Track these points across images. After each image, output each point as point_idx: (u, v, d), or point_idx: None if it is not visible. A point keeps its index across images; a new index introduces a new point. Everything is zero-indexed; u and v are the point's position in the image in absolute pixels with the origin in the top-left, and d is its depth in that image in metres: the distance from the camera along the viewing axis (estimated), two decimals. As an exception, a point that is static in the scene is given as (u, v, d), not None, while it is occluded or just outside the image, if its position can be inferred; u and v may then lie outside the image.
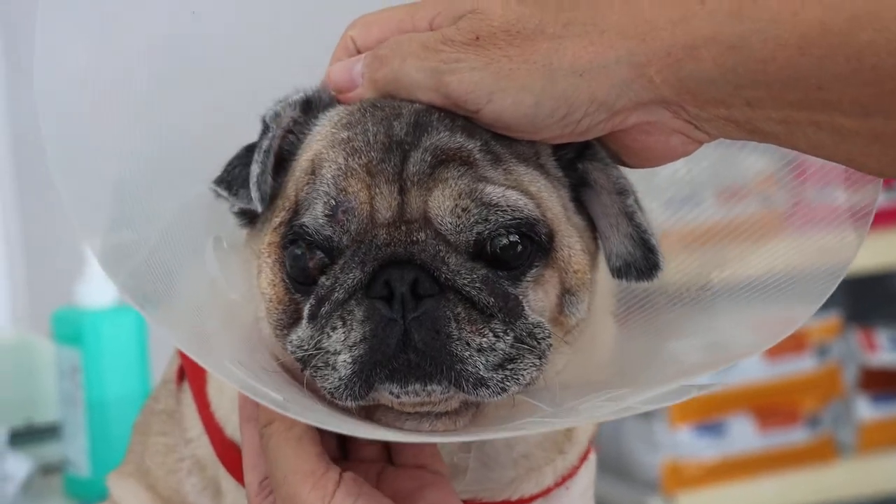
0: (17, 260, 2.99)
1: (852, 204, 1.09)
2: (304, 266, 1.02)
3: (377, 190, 1.00)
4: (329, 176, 1.01)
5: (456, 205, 0.99)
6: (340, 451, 1.08)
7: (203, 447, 1.22)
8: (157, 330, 2.13)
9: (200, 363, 0.99)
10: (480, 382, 0.97)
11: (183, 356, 1.25)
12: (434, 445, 1.08)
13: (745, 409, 3.42)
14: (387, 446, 1.09)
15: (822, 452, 3.47)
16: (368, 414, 1.03)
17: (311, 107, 1.09)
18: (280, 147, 1.09)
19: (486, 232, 0.99)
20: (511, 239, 1.00)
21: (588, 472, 1.21)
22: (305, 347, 1.00)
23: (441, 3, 1.03)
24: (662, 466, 3.34)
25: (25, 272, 3.00)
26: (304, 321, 1.01)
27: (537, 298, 1.03)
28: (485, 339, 0.97)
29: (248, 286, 1.11)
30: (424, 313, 0.96)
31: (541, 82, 0.96)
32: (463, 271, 0.98)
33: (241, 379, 0.99)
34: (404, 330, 0.96)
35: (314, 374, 0.99)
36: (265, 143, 1.06)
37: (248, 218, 1.12)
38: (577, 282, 1.05)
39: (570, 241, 1.05)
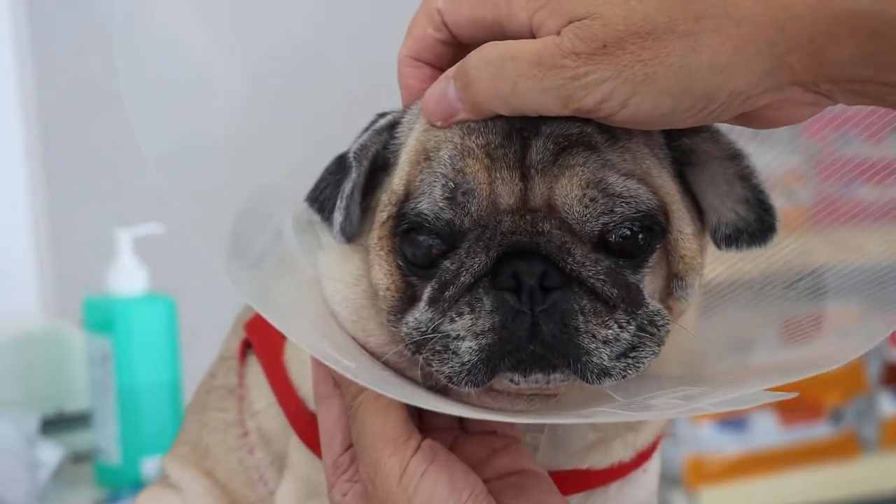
0: (46, 248, 3.01)
1: None
2: (426, 251, 1.02)
3: (497, 175, 0.99)
4: (446, 157, 1.00)
5: (584, 194, 0.98)
6: (419, 420, 1.08)
7: (270, 419, 1.23)
8: (188, 317, 2.15)
9: (288, 335, 0.99)
10: (604, 372, 0.97)
11: (250, 330, 1.26)
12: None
13: (767, 404, 3.41)
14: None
15: (844, 448, 3.47)
16: (444, 388, 1.04)
17: (399, 126, 1.09)
18: (373, 159, 1.09)
19: (612, 224, 0.99)
20: (634, 229, 1.00)
21: (658, 454, 1.22)
22: (423, 329, 1.00)
23: None
24: (685, 461, 3.35)
25: (55, 260, 3.02)
26: (423, 304, 1.01)
27: (649, 282, 1.03)
28: (610, 332, 0.97)
29: (325, 271, 1.11)
30: (552, 306, 0.96)
31: (680, 84, 0.92)
32: (588, 263, 0.98)
33: (323, 350, 1.00)
34: (532, 322, 0.96)
35: (431, 357, 0.99)
36: (347, 187, 1.06)
37: None
38: (684, 266, 1.04)
39: (681, 223, 1.05)
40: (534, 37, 0.97)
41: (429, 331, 0.99)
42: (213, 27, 1.15)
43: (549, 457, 1.12)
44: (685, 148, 1.07)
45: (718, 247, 1.09)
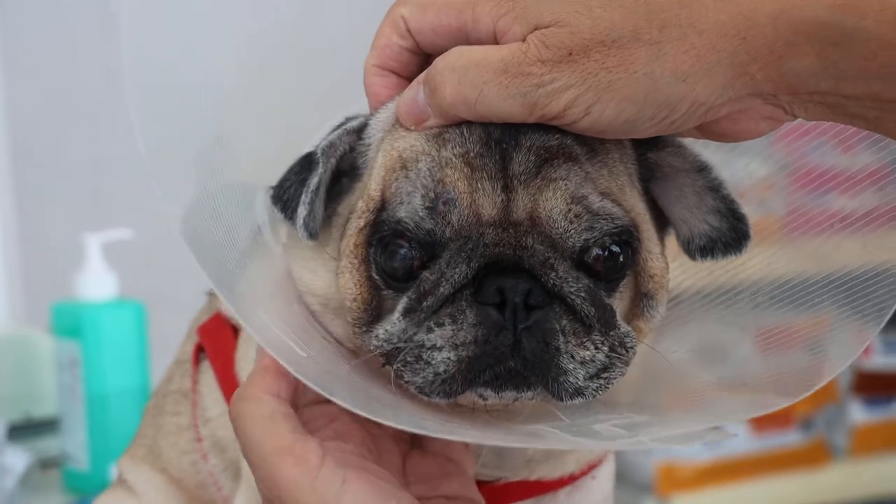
0: (15, 253, 3.00)
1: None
2: (403, 262, 1.01)
3: (479, 185, 0.99)
4: (424, 168, 1.00)
5: (569, 209, 0.98)
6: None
7: (224, 427, 1.22)
8: (157, 322, 2.14)
9: (236, 315, 0.97)
10: (578, 392, 0.97)
11: (202, 334, 1.25)
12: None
13: (738, 411, 3.42)
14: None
15: (815, 455, 3.48)
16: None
17: (367, 128, 1.08)
18: (340, 160, 1.08)
19: (592, 240, 0.99)
20: (613, 250, 1.01)
21: (610, 460, 1.22)
22: (395, 341, 0.99)
23: (507, 3, 0.97)
24: (656, 469, 3.35)
25: (23, 265, 3.01)
26: (398, 315, 1.00)
27: (618, 304, 1.03)
28: (587, 353, 0.98)
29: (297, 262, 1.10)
30: (535, 324, 0.96)
31: (643, 92, 0.93)
32: (570, 279, 0.98)
33: (276, 340, 0.98)
34: (514, 339, 0.96)
35: (402, 368, 0.98)
36: (313, 182, 1.04)
37: None
38: (654, 285, 1.05)
39: (650, 243, 1.05)
40: (497, 43, 0.97)
41: (401, 342, 0.98)
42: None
43: (492, 463, 1.12)
44: (650, 163, 1.08)
45: (693, 258, 1.10)
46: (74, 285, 2.12)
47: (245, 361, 1.19)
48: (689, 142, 1.09)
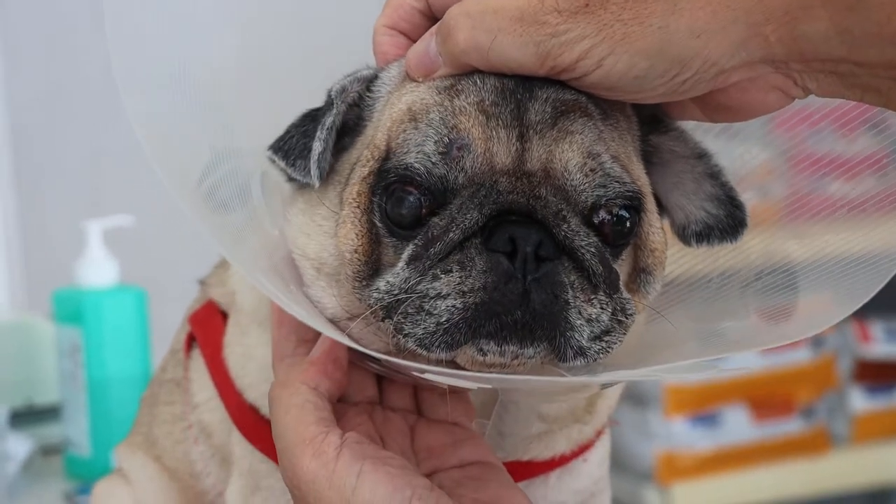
0: (16, 240, 3.00)
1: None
2: (411, 209, 0.99)
3: (493, 133, 0.98)
4: (436, 117, 0.99)
5: (585, 163, 0.98)
6: (378, 397, 1.08)
7: (209, 412, 1.22)
8: (158, 309, 2.14)
9: (240, 267, 0.97)
10: (581, 351, 0.96)
11: (193, 323, 1.25)
12: (470, 406, 1.08)
13: (739, 400, 3.42)
14: (416, 399, 1.09)
15: (816, 443, 3.48)
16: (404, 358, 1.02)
17: (377, 81, 1.08)
18: (347, 111, 1.07)
19: (605, 198, 0.99)
20: (621, 214, 1.00)
21: (604, 443, 1.22)
22: (395, 292, 0.97)
23: None
24: (657, 457, 3.35)
25: (24, 252, 3.01)
26: (402, 263, 0.98)
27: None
28: (594, 310, 0.97)
29: (293, 237, 1.09)
30: (544, 276, 0.95)
31: (657, 45, 0.92)
32: (581, 233, 0.97)
33: (272, 289, 0.98)
34: (523, 290, 0.94)
35: (402, 320, 0.96)
36: (328, 121, 1.04)
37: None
38: (654, 260, 1.05)
39: (652, 217, 1.05)
40: None
41: (402, 292, 0.97)
42: None
43: (494, 443, 1.12)
44: (651, 146, 1.08)
45: (688, 244, 1.10)
46: (75, 272, 2.12)
47: (233, 346, 1.19)
48: (689, 127, 1.09)
